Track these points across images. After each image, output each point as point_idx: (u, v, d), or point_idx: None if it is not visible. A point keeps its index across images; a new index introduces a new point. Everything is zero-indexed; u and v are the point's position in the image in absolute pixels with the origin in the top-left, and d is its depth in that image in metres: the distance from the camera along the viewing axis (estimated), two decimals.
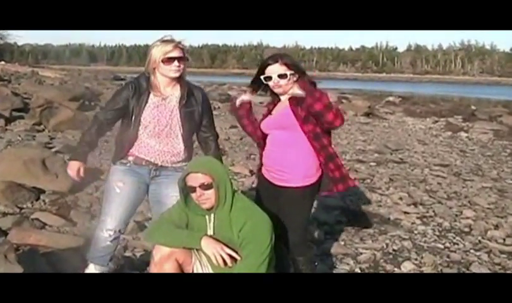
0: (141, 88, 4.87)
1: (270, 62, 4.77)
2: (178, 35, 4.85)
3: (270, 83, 4.77)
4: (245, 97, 4.99)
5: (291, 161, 4.73)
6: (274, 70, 4.73)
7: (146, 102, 4.83)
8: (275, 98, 4.96)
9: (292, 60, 4.84)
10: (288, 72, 4.71)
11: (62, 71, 50.56)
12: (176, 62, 4.75)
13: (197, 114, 4.95)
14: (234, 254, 4.18)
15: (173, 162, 4.90)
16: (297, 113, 4.65)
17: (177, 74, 4.80)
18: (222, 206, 4.30)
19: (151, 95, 4.84)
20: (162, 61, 4.77)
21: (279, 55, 4.85)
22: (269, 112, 4.98)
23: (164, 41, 4.80)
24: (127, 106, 4.85)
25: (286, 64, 4.73)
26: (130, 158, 4.90)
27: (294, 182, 4.72)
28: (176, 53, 4.76)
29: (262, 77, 4.81)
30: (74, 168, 5.05)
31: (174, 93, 4.89)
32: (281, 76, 4.72)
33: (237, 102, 5.04)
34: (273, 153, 4.84)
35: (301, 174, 4.72)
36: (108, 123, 5.00)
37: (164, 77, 4.83)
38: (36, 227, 6.95)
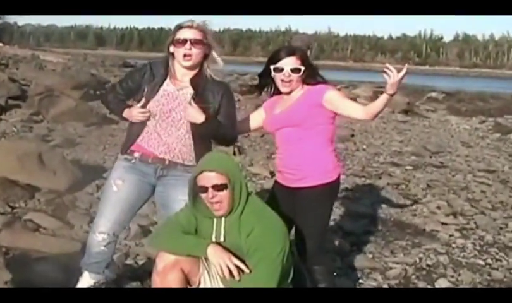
0: (157, 73, 4.89)
1: (283, 55, 4.89)
2: (198, 19, 4.84)
3: (280, 75, 4.89)
4: None
5: (307, 157, 4.82)
6: (288, 63, 4.85)
7: (159, 89, 4.83)
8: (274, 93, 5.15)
9: (308, 56, 5.02)
10: (302, 68, 4.86)
11: (66, 55, 50.80)
12: (187, 45, 4.71)
13: (212, 111, 4.85)
14: (242, 266, 4.18)
15: (184, 159, 4.87)
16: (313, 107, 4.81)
17: (188, 62, 4.76)
18: (234, 209, 4.31)
19: (166, 82, 4.85)
20: (173, 43, 4.78)
21: (295, 48, 5.00)
22: (271, 109, 5.13)
23: (182, 22, 4.82)
24: (138, 89, 4.90)
25: (301, 59, 4.89)
26: (136, 155, 4.89)
27: (312, 180, 4.81)
28: (189, 34, 4.73)
29: (271, 67, 4.91)
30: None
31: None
32: (294, 70, 4.85)
33: None
34: (285, 151, 4.95)
35: (319, 170, 4.83)
36: (121, 99, 5.04)
37: (179, 65, 4.82)
38: (29, 229, 7.01)
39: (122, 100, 5.04)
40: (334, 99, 4.81)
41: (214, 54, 4.89)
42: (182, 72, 4.85)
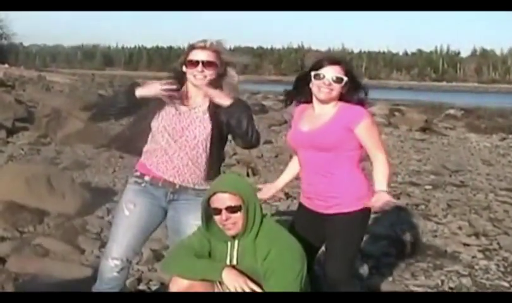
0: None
1: (327, 62, 4.76)
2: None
3: (319, 83, 4.73)
4: None
5: (340, 185, 4.74)
6: (330, 71, 4.72)
7: (171, 107, 4.81)
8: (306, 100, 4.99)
9: (353, 68, 4.92)
10: (345, 78, 4.73)
11: (73, 75, 51.08)
12: (199, 67, 4.68)
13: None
14: (259, 290, 4.16)
15: (195, 183, 4.83)
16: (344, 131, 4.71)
17: (200, 82, 4.72)
18: (248, 232, 4.29)
19: (177, 102, 4.82)
20: (186, 63, 4.76)
21: (341, 58, 4.92)
22: (297, 122, 5.00)
23: (195, 43, 4.81)
24: (146, 103, 4.81)
25: (345, 70, 4.77)
26: (146, 178, 4.87)
27: (346, 206, 4.72)
28: (201, 56, 4.70)
29: (312, 73, 4.76)
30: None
31: (206, 103, 4.83)
32: (337, 80, 4.71)
33: None
34: (315, 177, 4.82)
35: (352, 197, 4.75)
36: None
37: (191, 85, 4.81)
38: (38, 254, 7.02)
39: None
40: (363, 135, 4.74)
41: (231, 72, 4.86)
42: (194, 93, 4.83)
